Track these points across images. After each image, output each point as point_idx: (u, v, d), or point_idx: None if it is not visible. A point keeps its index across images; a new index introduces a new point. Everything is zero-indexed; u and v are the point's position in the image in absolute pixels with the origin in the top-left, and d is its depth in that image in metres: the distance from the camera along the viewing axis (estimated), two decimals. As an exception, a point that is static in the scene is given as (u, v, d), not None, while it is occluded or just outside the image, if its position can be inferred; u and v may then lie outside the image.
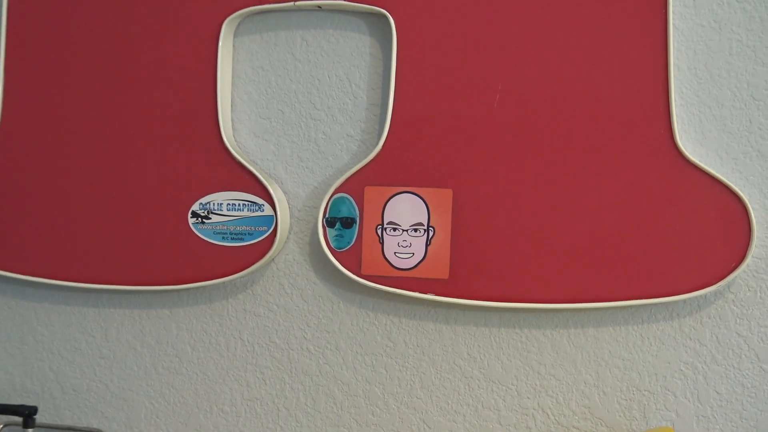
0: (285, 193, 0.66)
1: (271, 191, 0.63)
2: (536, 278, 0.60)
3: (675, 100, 0.59)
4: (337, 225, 0.62)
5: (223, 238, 0.63)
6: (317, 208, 0.65)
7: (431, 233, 0.61)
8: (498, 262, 0.60)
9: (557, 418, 0.62)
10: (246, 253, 0.63)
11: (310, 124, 0.66)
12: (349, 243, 0.62)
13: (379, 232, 0.62)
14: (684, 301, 0.60)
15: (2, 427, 0.69)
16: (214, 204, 0.63)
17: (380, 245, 0.61)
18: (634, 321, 0.62)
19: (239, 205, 0.63)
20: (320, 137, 0.65)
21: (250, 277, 0.67)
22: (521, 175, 0.60)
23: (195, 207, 0.64)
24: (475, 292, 0.60)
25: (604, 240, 0.59)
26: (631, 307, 0.61)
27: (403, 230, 0.61)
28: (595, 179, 0.59)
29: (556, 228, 0.60)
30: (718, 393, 0.60)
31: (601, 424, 0.61)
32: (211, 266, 0.63)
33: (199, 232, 0.64)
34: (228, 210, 0.63)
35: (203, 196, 0.64)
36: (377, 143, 0.62)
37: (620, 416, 0.61)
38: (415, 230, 0.61)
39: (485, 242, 0.60)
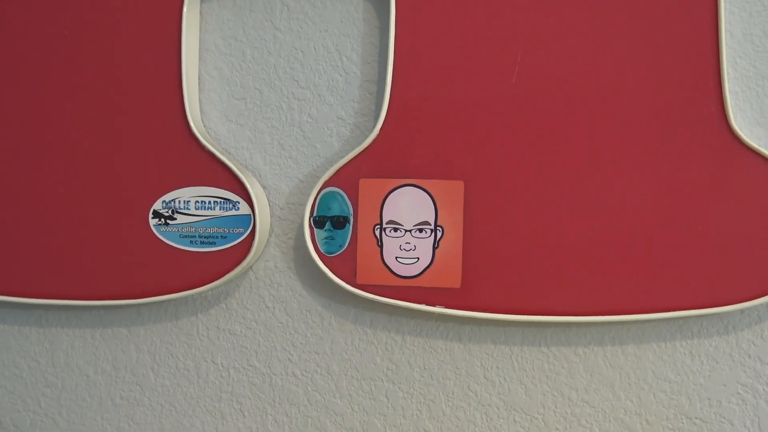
0: (264, 187, 0.66)
1: (248, 186, 0.62)
2: (565, 286, 0.59)
3: (727, 73, 0.58)
4: (327, 225, 0.62)
5: (190, 242, 0.63)
6: (303, 205, 0.65)
7: (439, 234, 0.61)
8: (519, 268, 0.60)
9: (592, 453, 0.63)
10: (218, 259, 0.63)
11: (293, 105, 0.66)
12: (341, 247, 0.62)
13: (378, 233, 0.61)
14: (741, 311, 0.60)
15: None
16: (179, 202, 0.63)
17: (379, 249, 0.61)
18: (682, 336, 0.62)
19: (210, 202, 0.63)
20: (305, 121, 0.66)
21: (223, 288, 0.67)
22: (546, 164, 0.59)
23: (157, 206, 0.63)
24: (493, 303, 0.60)
25: (646, 241, 0.59)
26: (678, 319, 0.62)
27: (406, 230, 0.61)
28: (634, 169, 0.59)
29: (588, 226, 0.59)
30: (783, 420, 0.61)
31: (645, 459, 0.62)
32: (177, 276, 0.63)
33: (162, 236, 0.64)
34: (196, 209, 0.63)
35: (166, 193, 0.63)
36: (373, 127, 0.62)
37: (667, 449, 0.62)
38: (420, 230, 0.61)
39: (504, 244, 0.60)
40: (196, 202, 0.63)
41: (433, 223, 0.61)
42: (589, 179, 0.59)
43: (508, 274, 0.60)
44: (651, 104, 0.58)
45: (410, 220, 0.61)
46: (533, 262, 0.60)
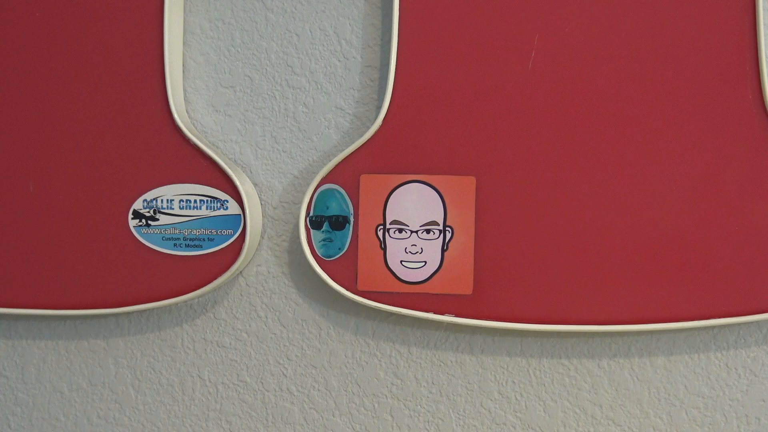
0: (255, 184, 0.66)
1: (237, 183, 0.62)
2: (588, 293, 0.60)
3: (766, 56, 0.58)
4: (325, 226, 0.62)
5: (174, 245, 0.63)
6: (298, 204, 0.65)
7: (449, 235, 0.61)
8: (537, 272, 0.60)
9: (618, 476, 0.63)
10: (205, 264, 0.63)
11: (287, 94, 0.65)
12: (340, 249, 0.62)
13: (381, 234, 0.61)
14: (783, 319, 0.60)
15: None
16: (162, 201, 0.63)
17: (382, 252, 0.61)
18: (717, 346, 0.62)
19: (195, 201, 0.63)
20: (300, 111, 0.65)
21: (211, 296, 0.67)
22: (566, 158, 0.60)
23: (137, 205, 0.64)
24: (508, 311, 0.60)
25: (678, 242, 0.59)
26: (713, 328, 0.61)
27: (412, 231, 0.61)
28: (664, 164, 0.59)
29: (614, 226, 0.59)
30: (829, 440, 0.60)
31: (676, 483, 0.62)
32: (160, 282, 0.63)
33: (143, 238, 0.64)
34: (181, 208, 0.63)
35: (148, 191, 0.63)
36: (375, 118, 0.62)
37: (701, 472, 0.62)
38: (428, 231, 0.61)
39: (520, 246, 0.60)
40: (181, 200, 0.63)
41: (441, 223, 0.61)
42: (615, 174, 0.59)
43: (524, 279, 0.60)
44: (683, 93, 0.59)
45: (416, 219, 0.61)
46: (553, 265, 0.60)
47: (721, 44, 0.58)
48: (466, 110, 0.60)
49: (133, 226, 0.63)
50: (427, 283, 0.61)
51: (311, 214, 0.62)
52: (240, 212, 0.62)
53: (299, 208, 0.63)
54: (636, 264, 0.59)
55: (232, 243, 0.62)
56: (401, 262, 0.61)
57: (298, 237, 0.64)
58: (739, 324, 0.60)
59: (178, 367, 0.68)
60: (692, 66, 0.58)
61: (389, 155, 0.61)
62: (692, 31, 0.58)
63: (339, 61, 0.65)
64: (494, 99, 0.60)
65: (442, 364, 0.65)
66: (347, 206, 0.61)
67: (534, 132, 0.60)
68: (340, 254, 0.61)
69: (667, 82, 0.59)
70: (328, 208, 0.62)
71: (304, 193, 0.64)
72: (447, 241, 0.61)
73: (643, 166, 0.59)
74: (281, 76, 0.65)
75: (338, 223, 0.62)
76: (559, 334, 0.63)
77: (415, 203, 0.61)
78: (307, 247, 0.62)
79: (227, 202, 0.62)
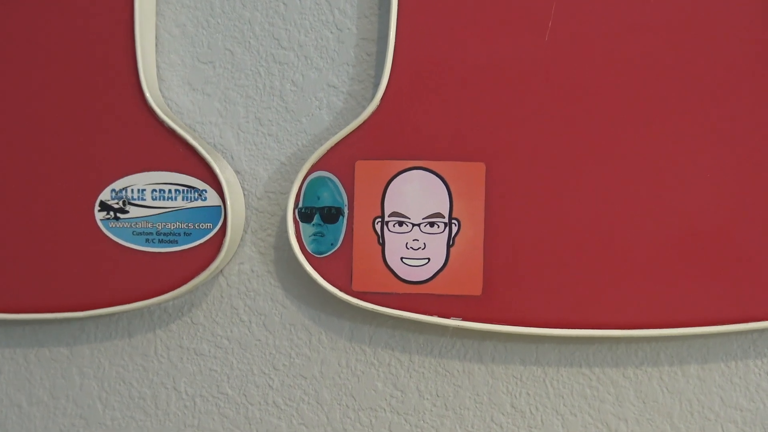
0: (237, 172, 0.66)
1: (217, 170, 0.62)
2: (612, 293, 0.60)
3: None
4: (316, 219, 0.62)
5: (146, 240, 0.64)
6: (285, 194, 0.66)
7: (455, 228, 0.61)
8: (555, 271, 0.60)
9: (646, 499, 0.63)
10: (181, 262, 0.63)
11: (272, 70, 0.66)
12: (333, 245, 0.62)
13: (379, 228, 0.62)
14: (831, 322, 0.60)
15: None
16: (132, 191, 0.64)
17: (380, 247, 0.61)
18: (756, 353, 0.62)
19: (170, 191, 0.63)
20: (288, 89, 0.65)
21: (187, 297, 0.67)
22: (588, 143, 0.60)
23: (104, 195, 0.64)
24: (522, 314, 0.60)
25: (711, 236, 0.59)
26: (752, 332, 0.61)
27: (414, 225, 0.61)
28: (698, 150, 0.59)
29: (640, 219, 0.59)
30: None
31: (711, 507, 0.62)
32: (130, 283, 0.64)
33: (111, 233, 0.64)
34: (153, 199, 0.63)
35: (116, 180, 0.64)
36: (373, 96, 0.62)
37: (739, 494, 0.62)
38: (432, 224, 0.61)
39: (536, 241, 0.60)
40: (153, 190, 0.63)
41: (447, 216, 0.61)
42: (644, 161, 0.59)
43: (540, 277, 0.60)
44: (717, 76, 0.59)
45: (419, 211, 0.61)
46: (572, 262, 0.60)
47: (761, 28, 0.58)
48: (475, 88, 0.61)
49: (100, 220, 0.64)
50: (430, 283, 0.61)
51: (300, 205, 0.62)
52: (220, 203, 0.63)
53: (287, 199, 0.63)
54: (666, 260, 0.59)
55: (211, 238, 0.63)
56: (402, 259, 0.61)
57: (285, 231, 0.64)
58: (781, 328, 0.61)
59: (151, 377, 0.68)
60: (728, 50, 0.58)
61: (388, 139, 0.61)
62: (731, 9, 0.59)
63: (331, 32, 0.65)
64: (506, 75, 0.60)
65: (447, 374, 0.65)
66: (341, 196, 0.62)
67: (552, 113, 0.60)
68: (333, 250, 0.62)
69: (702, 64, 0.59)
70: (319, 198, 0.62)
71: (292, 182, 0.64)
72: (453, 235, 0.61)
73: (676, 154, 0.59)
74: (266, 50, 0.65)
75: (331, 215, 0.62)
76: (579, 339, 0.63)
77: (417, 193, 0.61)
78: (296, 243, 0.62)
79: (206, 192, 0.63)
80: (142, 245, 0.63)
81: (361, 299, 0.61)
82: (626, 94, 0.59)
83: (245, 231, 0.66)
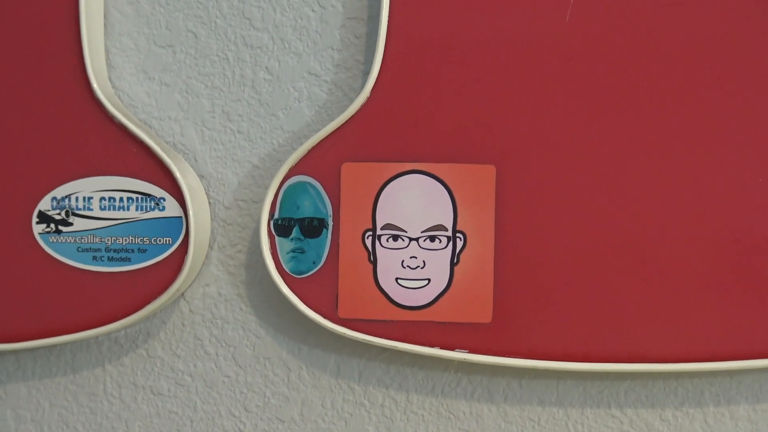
0: (201, 177, 0.66)
1: (177, 175, 0.63)
2: (646, 319, 0.60)
3: None
4: (295, 232, 0.62)
5: (94, 258, 0.64)
6: (258, 203, 0.66)
7: (460, 243, 0.61)
8: (579, 293, 0.61)
9: None
10: (135, 283, 0.64)
11: (243, 56, 0.66)
12: (315, 264, 0.62)
13: (369, 242, 0.62)
14: None
15: None
16: (77, 199, 0.64)
17: (371, 266, 0.62)
18: None
19: (121, 199, 0.64)
20: (262, 78, 0.66)
21: (143, 326, 0.67)
22: (618, 139, 0.61)
23: (44, 205, 0.64)
24: (540, 344, 0.61)
25: (759, 251, 0.59)
26: None
27: (412, 239, 0.61)
28: (744, 151, 0.59)
29: (679, 231, 0.60)
30: None
31: None
32: (74, 308, 0.64)
33: (52, 249, 0.64)
34: (102, 209, 0.64)
35: (58, 186, 0.64)
36: (362, 87, 0.62)
37: None
38: (432, 239, 0.61)
39: (556, 258, 0.61)
40: (102, 198, 0.64)
41: (450, 228, 0.61)
42: (686, 163, 0.60)
43: (561, 301, 0.61)
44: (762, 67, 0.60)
45: (417, 223, 0.61)
46: (599, 284, 0.61)
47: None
48: (484, 75, 0.61)
49: (39, 233, 0.64)
50: (431, 308, 0.61)
51: (276, 216, 0.62)
52: (181, 214, 0.63)
53: (260, 209, 0.63)
54: (711, 281, 0.60)
55: (170, 255, 0.63)
56: (397, 280, 0.61)
57: (258, 247, 0.63)
58: None
59: (100, 421, 0.68)
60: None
61: (380, 137, 0.61)
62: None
63: (313, 11, 0.65)
64: (520, 61, 0.61)
65: (452, 417, 0.65)
66: (324, 205, 0.62)
67: (574, 107, 0.60)
68: (315, 270, 0.62)
69: (748, 54, 0.60)
70: (298, 208, 0.62)
71: (266, 189, 0.64)
72: (458, 251, 0.61)
73: (724, 157, 0.60)
74: (236, 31, 0.66)
75: (312, 228, 0.62)
76: (608, 375, 0.63)
77: (415, 201, 0.61)
78: (271, 261, 0.62)
79: (164, 200, 0.63)
80: (89, 264, 0.63)
81: (348, 328, 0.62)
82: (662, 86, 0.60)
83: (211, 247, 0.66)
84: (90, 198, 0.63)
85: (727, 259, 0.59)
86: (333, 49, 0.64)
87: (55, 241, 0.63)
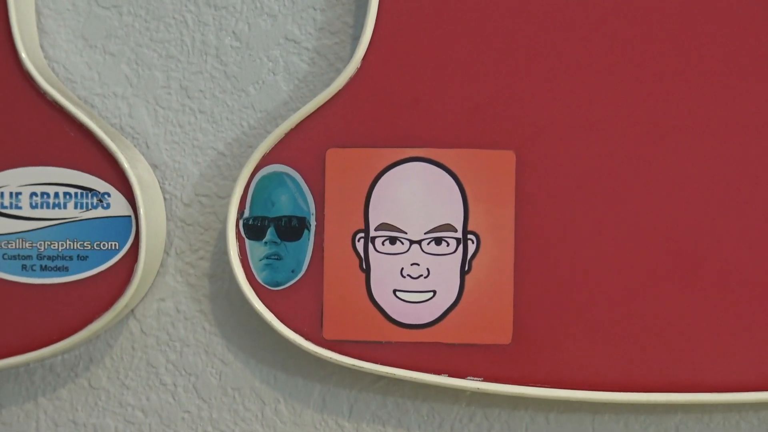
0: (155, 167, 0.66)
1: (125, 165, 0.62)
2: (700, 340, 0.60)
3: None
4: (270, 234, 0.62)
5: (23, 268, 0.64)
6: (225, 198, 0.65)
7: (472, 247, 0.61)
8: (617, 306, 0.61)
9: None
10: (74, 298, 0.63)
11: (205, 18, 0.66)
12: (295, 273, 0.62)
13: (361, 246, 0.61)
14: None
15: None
16: (2, 195, 0.64)
17: (363, 275, 0.61)
18: None
19: (57, 195, 0.64)
20: (228, 45, 0.66)
21: (84, 350, 0.66)
22: (665, 117, 0.61)
23: None
24: (570, 370, 0.61)
25: None
26: None
27: (413, 242, 0.61)
28: None
29: (739, 229, 0.60)
30: None
31: None
32: (0, 329, 0.64)
33: None
34: (33, 207, 0.63)
35: None
36: (351, 56, 0.62)
37: None
38: (438, 242, 0.61)
39: (589, 263, 0.61)
40: (33, 194, 0.63)
41: (460, 229, 0.61)
42: (744, 150, 0.60)
43: (596, 319, 0.61)
44: None
45: (420, 222, 0.61)
46: (643, 296, 0.61)
47: None
48: (499, 40, 0.61)
49: None
50: (437, 327, 0.61)
51: (247, 214, 0.62)
52: (130, 212, 0.63)
53: (227, 206, 0.62)
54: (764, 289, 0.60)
55: (117, 263, 0.63)
56: (395, 292, 0.61)
57: (225, 253, 0.62)
58: None
59: None
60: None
61: (373, 117, 0.62)
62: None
63: None
64: (546, 25, 0.61)
65: None
66: (305, 202, 0.62)
67: (610, 80, 0.61)
68: (295, 280, 0.62)
69: None
70: (273, 204, 0.62)
71: (234, 181, 0.63)
72: (470, 257, 0.61)
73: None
74: None
75: (291, 229, 0.62)
76: (654, 408, 0.63)
77: (416, 195, 0.61)
78: (241, 270, 0.62)
79: (108, 195, 0.63)
80: (17, 274, 0.63)
81: (336, 351, 0.61)
82: (699, 62, 0.60)
83: (167, 253, 0.66)
84: (18, 194, 0.63)
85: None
86: (315, 9, 0.65)
87: (-24, 247, 0.63)
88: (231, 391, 0.66)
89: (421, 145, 0.61)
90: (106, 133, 0.62)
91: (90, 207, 0.62)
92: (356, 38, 0.63)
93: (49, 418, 0.67)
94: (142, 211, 0.62)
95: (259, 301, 0.61)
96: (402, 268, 0.61)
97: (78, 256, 0.62)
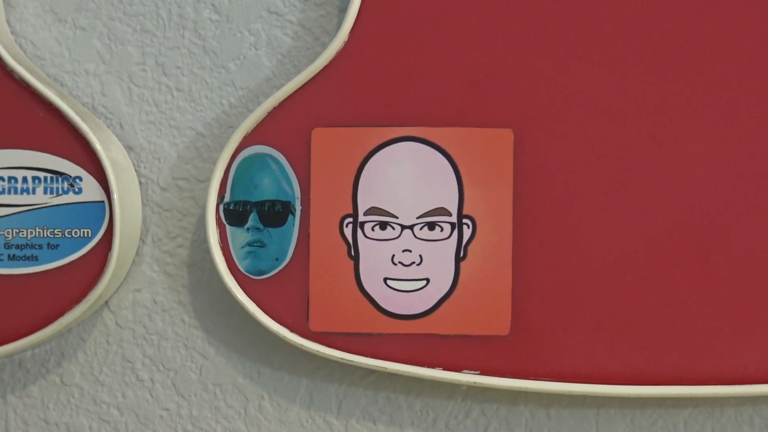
0: (130, 149, 0.67)
1: (98, 147, 0.63)
2: (711, 329, 0.60)
3: None
4: (252, 220, 0.62)
5: None
6: (205, 182, 0.65)
7: (467, 232, 0.61)
8: (621, 294, 0.61)
9: None
10: (44, 289, 0.64)
11: None
12: (279, 261, 0.62)
13: (349, 232, 0.61)
14: None
15: None
16: None
17: (352, 262, 0.61)
18: None
19: (24, 180, 0.64)
20: (206, 18, 0.66)
21: (55, 344, 0.67)
22: (672, 96, 0.61)
23: None
24: (572, 363, 0.61)
25: None
26: None
27: (404, 227, 0.61)
28: None
29: (751, 215, 0.61)
30: None
31: None
32: None
33: None
34: (0, 192, 0.64)
35: None
36: (338, 29, 0.62)
37: None
38: (431, 227, 0.61)
39: (592, 249, 0.61)
40: (0, 179, 0.64)
41: (455, 213, 0.61)
42: (754, 133, 0.61)
43: (600, 307, 0.61)
44: None
45: (411, 206, 0.61)
46: (650, 284, 0.61)
47: None
48: (497, 13, 0.61)
49: None
50: (430, 317, 0.61)
51: (228, 199, 0.62)
52: (103, 198, 0.63)
53: (206, 190, 0.62)
54: None
55: (89, 252, 0.63)
56: (386, 280, 0.62)
57: (205, 240, 0.62)
58: None
59: None
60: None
61: (361, 94, 0.62)
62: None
63: None
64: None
65: None
66: (290, 185, 0.62)
67: (613, 55, 0.61)
68: (279, 269, 0.62)
69: None
70: (256, 188, 0.62)
71: (214, 164, 0.63)
72: (465, 242, 0.61)
73: None
74: None
75: (275, 214, 0.62)
76: (663, 401, 0.63)
77: (408, 177, 0.62)
78: (221, 258, 0.62)
79: (80, 180, 0.63)
80: None
81: (323, 344, 0.62)
82: (710, 43, 0.60)
83: (143, 240, 0.66)
84: (-17, 179, 0.62)
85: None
86: (299, -22, 0.63)
87: (-62, 236, 0.63)
88: (212, 387, 0.66)
89: (412, 123, 0.61)
90: (77, 113, 0.62)
91: (60, 192, 0.63)
92: (343, 10, 0.63)
93: (19, 417, 0.67)
94: (116, 196, 0.62)
95: (242, 292, 0.61)
96: (393, 255, 0.61)
97: (48, 244, 0.63)
